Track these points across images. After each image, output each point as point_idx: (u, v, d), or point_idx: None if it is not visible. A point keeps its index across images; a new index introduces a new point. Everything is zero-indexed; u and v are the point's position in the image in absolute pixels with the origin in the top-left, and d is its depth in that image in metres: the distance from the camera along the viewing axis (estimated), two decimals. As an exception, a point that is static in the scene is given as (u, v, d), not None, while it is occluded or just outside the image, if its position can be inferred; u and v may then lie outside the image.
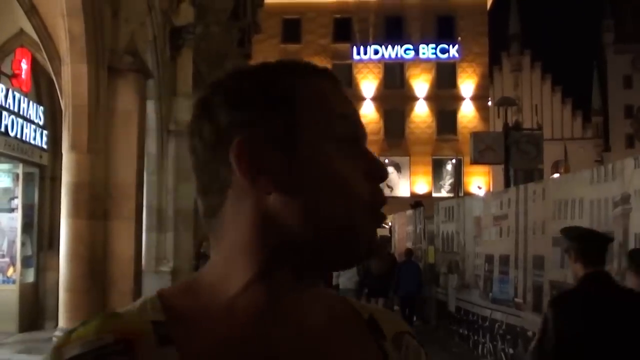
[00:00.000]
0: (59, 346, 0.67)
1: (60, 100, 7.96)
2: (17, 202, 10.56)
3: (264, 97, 0.70)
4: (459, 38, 37.47)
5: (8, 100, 9.40)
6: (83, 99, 7.44)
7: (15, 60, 9.66)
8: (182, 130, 11.90)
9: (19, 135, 9.73)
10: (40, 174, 10.81)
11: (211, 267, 0.74)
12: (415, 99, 37.62)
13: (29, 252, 10.65)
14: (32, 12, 8.18)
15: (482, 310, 9.31)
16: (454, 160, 36.57)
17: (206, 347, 0.67)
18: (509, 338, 8.21)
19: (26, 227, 10.55)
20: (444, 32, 37.56)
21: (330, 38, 38.15)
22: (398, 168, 35.78)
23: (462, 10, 37.59)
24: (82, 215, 7.42)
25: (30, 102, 10.18)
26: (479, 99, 37.64)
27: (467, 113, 37.45)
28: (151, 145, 10.94)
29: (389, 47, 37.85)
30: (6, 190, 10.71)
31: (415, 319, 12.17)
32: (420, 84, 37.75)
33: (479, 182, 35.68)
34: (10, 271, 10.40)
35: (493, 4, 39.41)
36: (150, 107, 10.32)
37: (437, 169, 37.22)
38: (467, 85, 37.69)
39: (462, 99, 37.54)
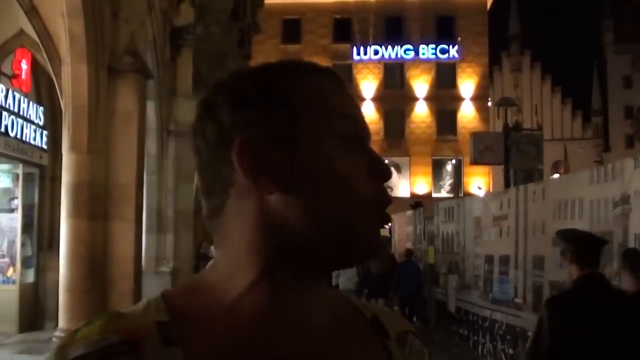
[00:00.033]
0: (63, 346, 0.67)
1: (60, 101, 7.96)
2: (17, 203, 10.56)
3: (265, 96, 0.71)
4: (459, 38, 37.47)
5: (8, 101, 9.41)
6: (83, 99, 7.44)
7: (16, 60, 9.67)
8: (181, 130, 11.90)
9: (19, 136, 9.73)
10: (40, 174, 10.82)
11: (214, 267, 0.74)
12: (415, 99, 37.62)
13: (29, 253, 10.65)
14: (32, 13, 8.19)
15: (482, 310, 9.31)
16: (453, 161, 36.57)
17: (210, 348, 0.67)
18: (508, 338, 8.21)
19: (26, 227, 10.55)
20: (443, 32, 37.56)
21: (330, 38, 38.16)
22: (398, 168, 35.76)
23: (462, 10, 37.59)
24: (82, 215, 7.42)
25: (30, 103, 10.19)
26: (478, 99, 37.64)
27: (467, 113, 37.45)
28: (151, 146, 10.94)
29: (389, 47, 37.85)
30: (6, 190, 10.71)
31: (415, 319, 12.16)
32: (420, 84, 37.75)
33: (478, 182, 35.68)
34: (10, 271, 10.40)
35: (493, 4, 39.41)
36: (150, 107, 10.32)
37: (437, 169, 37.22)
38: (467, 85, 37.69)
39: (462, 99, 37.54)
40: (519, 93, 51.69)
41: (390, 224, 17.50)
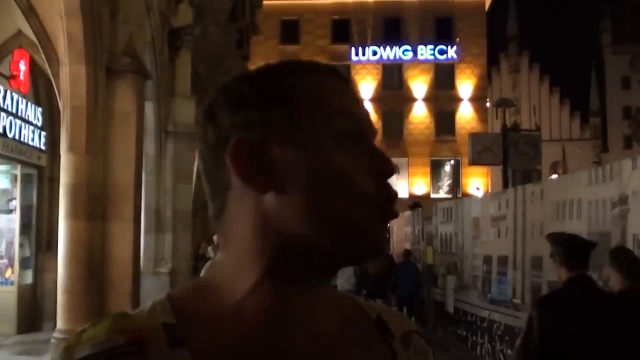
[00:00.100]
0: (69, 346, 0.67)
1: (59, 101, 7.95)
2: (15, 203, 10.54)
3: (263, 97, 0.70)
4: (457, 39, 37.50)
5: (6, 102, 9.40)
6: (81, 100, 7.43)
7: (14, 61, 9.66)
8: (180, 131, 11.91)
9: (17, 137, 9.72)
10: (39, 175, 10.81)
11: (219, 268, 0.74)
12: (414, 100, 37.64)
13: (27, 254, 10.64)
14: (30, 13, 8.18)
15: (480, 311, 9.31)
16: (452, 161, 36.61)
17: (217, 349, 0.67)
18: (507, 339, 8.20)
19: (24, 228, 10.54)
20: (442, 33, 37.60)
21: (329, 39, 38.17)
22: (396, 169, 35.74)
23: (460, 11, 37.63)
24: (81, 216, 7.41)
25: (29, 103, 10.18)
26: (477, 100, 37.67)
27: (466, 114, 37.48)
28: (149, 146, 10.93)
29: (388, 48, 37.88)
30: (4, 191, 10.70)
31: (413, 320, 12.15)
32: (419, 85, 37.77)
33: (477, 183, 35.71)
34: (8, 272, 10.39)
35: (491, 5, 39.46)
36: (149, 108, 10.31)
37: (436, 170, 37.24)
38: (465, 86, 37.72)
39: (461, 100, 37.57)
40: (517, 94, 51.72)
41: (389, 224, 17.50)
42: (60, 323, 7.42)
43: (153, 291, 9.80)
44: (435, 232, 12.10)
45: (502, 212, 8.64)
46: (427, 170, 37.05)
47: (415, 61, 37.80)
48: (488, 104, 38.06)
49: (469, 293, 9.89)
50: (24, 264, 10.51)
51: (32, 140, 10.26)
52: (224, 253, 0.74)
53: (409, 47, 37.76)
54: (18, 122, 9.73)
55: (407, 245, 14.11)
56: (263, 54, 30.73)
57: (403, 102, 37.57)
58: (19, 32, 9.43)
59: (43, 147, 10.62)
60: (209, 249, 15.35)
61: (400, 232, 15.71)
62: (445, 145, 36.98)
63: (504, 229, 8.52)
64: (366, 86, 37.73)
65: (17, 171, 10.52)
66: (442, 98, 37.21)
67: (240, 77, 0.75)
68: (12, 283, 10.32)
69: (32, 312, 10.50)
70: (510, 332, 8.09)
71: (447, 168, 37.10)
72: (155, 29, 10.84)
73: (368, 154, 0.71)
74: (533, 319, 3.26)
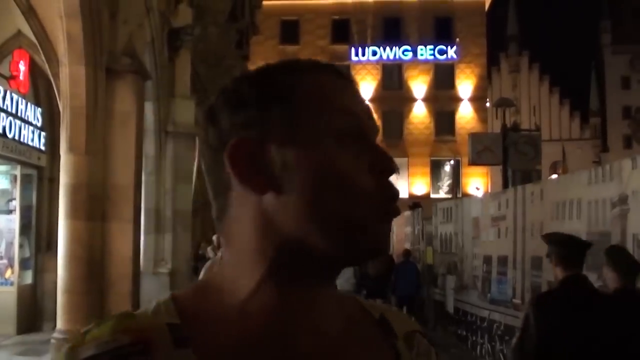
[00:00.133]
0: (73, 346, 0.66)
1: (58, 102, 7.95)
2: (15, 204, 10.54)
3: (263, 97, 0.70)
4: (457, 39, 37.52)
5: (6, 102, 9.40)
6: (81, 100, 7.43)
7: (13, 61, 9.66)
8: (179, 131, 11.91)
9: (17, 137, 9.72)
10: (38, 176, 10.81)
11: (222, 269, 0.74)
12: (414, 100, 37.65)
13: (27, 254, 10.64)
14: (30, 14, 8.18)
15: (480, 311, 9.32)
16: (452, 161, 36.61)
17: (221, 349, 0.67)
18: (507, 339, 8.20)
19: (24, 228, 10.54)
20: (442, 33, 37.62)
21: (329, 39, 38.18)
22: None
23: (460, 11, 37.64)
24: (80, 216, 7.40)
25: (28, 104, 10.18)
26: (477, 100, 37.68)
27: (465, 114, 37.49)
28: (149, 147, 10.93)
29: (387, 48, 37.90)
30: (4, 191, 10.70)
31: (413, 320, 12.17)
32: (419, 85, 37.78)
33: (477, 183, 35.71)
34: (8, 273, 10.39)
35: (491, 5, 39.48)
36: (148, 108, 10.31)
37: (436, 170, 37.25)
38: (465, 86, 37.73)
39: (460, 100, 37.59)
40: (517, 94, 51.75)
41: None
42: (60, 323, 7.42)
43: (153, 291, 9.81)
44: (435, 232, 12.10)
45: (502, 212, 8.64)
46: (427, 170, 37.06)
47: (415, 61, 37.82)
48: (488, 104, 38.07)
49: (469, 293, 9.90)
50: (23, 264, 10.51)
51: (32, 140, 10.26)
52: (226, 253, 0.74)
53: (408, 47, 37.78)
54: (18, 122, 9.73)
55: (407, 245, 14.12)
56: (263, 54, 30.73)
57: (403, 102, 37.58)
58: (19, 33, 9.43)
59: (43, 148, 10.62)
60: (209, 249, 15.34)
61: (400, 232, 15.71)
62: (445, 145, 36.99)
63: (503, 229, 8.52)
64: (366, 86, 37.73)
65: (17, 171, 10.51)
66: (442, 98, 37.22)
67: (240, 77, 0.75)
68: (12, 283, 10.32)
69: (32, 313, 10.50)
70: (510, 332, 8.08)
71: (447, 168, 37.11)
72: (155, 29, 10.84)
73: (369, 152, 0.70)
74: (529, 317, 3.33)
